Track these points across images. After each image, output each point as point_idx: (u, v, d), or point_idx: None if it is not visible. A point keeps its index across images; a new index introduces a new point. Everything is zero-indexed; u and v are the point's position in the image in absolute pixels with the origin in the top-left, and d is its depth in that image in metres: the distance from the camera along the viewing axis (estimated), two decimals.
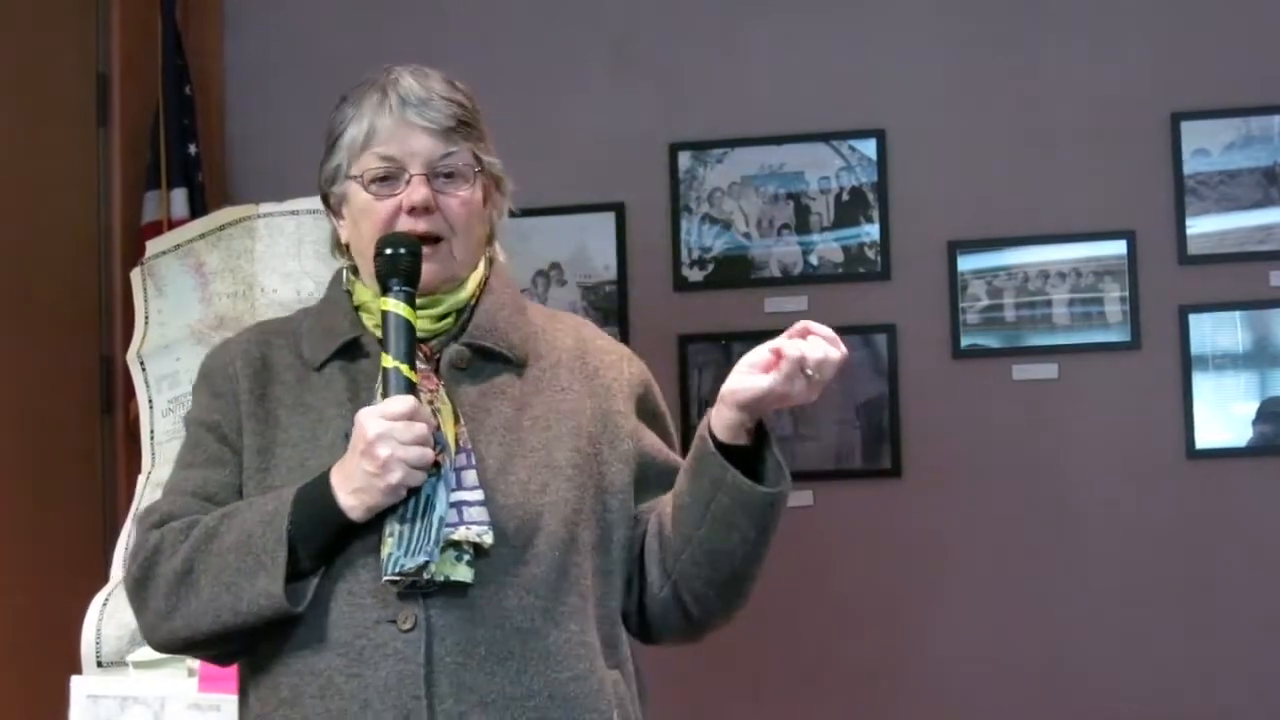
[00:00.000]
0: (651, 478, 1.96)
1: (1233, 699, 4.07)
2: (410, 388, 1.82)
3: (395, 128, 1.92)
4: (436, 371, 1.91)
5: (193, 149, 4.25)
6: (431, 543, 1.78)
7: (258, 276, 2.97)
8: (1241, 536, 4.11)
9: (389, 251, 1.87)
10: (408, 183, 1.91)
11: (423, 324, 1.90)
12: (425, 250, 1.90)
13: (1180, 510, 4.14)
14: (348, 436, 1.82)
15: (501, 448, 1.87)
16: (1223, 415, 4.14)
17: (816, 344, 1.78)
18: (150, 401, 3.07)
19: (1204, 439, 4.12)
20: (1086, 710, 4.12)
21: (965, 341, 4.25)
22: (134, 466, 3.19)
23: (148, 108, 4.25)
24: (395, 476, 1.77)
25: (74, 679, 2.80)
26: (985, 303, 4.24)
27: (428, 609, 1.80)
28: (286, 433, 1.92)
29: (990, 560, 4.20)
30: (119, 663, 2.82)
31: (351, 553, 1.83)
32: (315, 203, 2.97)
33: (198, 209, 4.11)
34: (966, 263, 4.26)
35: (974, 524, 4.21)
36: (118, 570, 2.95)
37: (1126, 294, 4.17)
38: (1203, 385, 4.13)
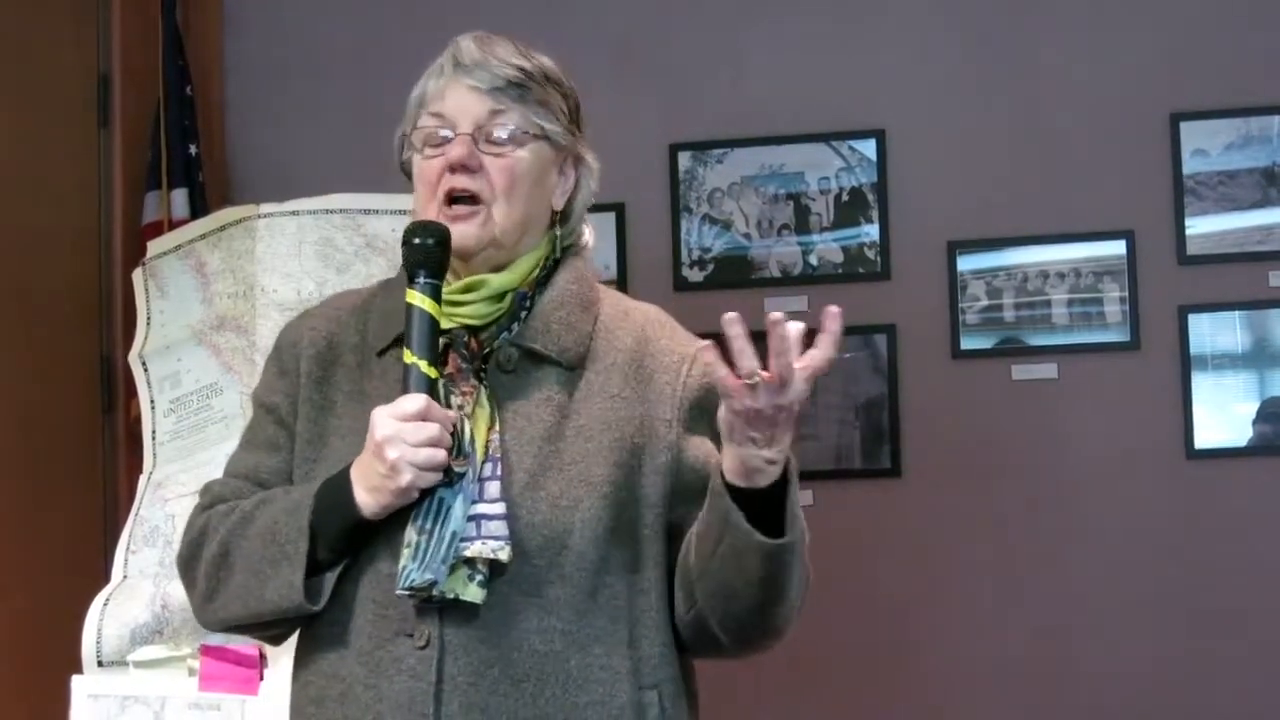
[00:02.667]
0: (694, 491, 1.84)
1: (1233, 698, 4.07)
2: (429, 385, 1.77)
3: (446, 88, 1.89)
4: (485, 364, 1.85)
5: (193, 149, 4.25)
6: (440, 560, 1.74)
7: (258, 277, 2.97)
8: (1241, 536, 4.11)
9: (416, 240, 1.82)
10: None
11: (475, 309, 1.86)
12: (462, 210, 1.85)
13: (1180, 510, 4.14)
14: None
15: (535, 460, 1.81)
16: (1222, 415, 4.14)
17: (740, 354, 1.66)
18: (152, 402, 3.07)
19: (1204, 439, 4.13)
20: (1086, 709, 4.12)
21: (965, 342, 4.25)
22: (134, 466, 3.20)
23: (148, 108, 4.26)
24: (404, 479, 1.73)
25: (74, 679, 2.81)
26: (985, 303, 4.25)
27: (443, 626, 1.77)
28: (340, 421, 1.88)
29: (990, 560, 4.20)
30: (119, 662, 2.83)
31: (377, 558, 1.80)
32: (315, 203, 3.02)
33: (198, 209, 4.11)
34: (966, 263, 4.26)
35: (974, 524, 4.21)
36: (118, 570, 2.96)
37: (1126, 294, 4.18)
38: (1202, 385, 4.13)
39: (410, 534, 1.76)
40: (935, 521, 4.22)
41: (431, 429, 1.74)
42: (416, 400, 1.75)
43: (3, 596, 3.76)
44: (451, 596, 1.75)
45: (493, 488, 1.78)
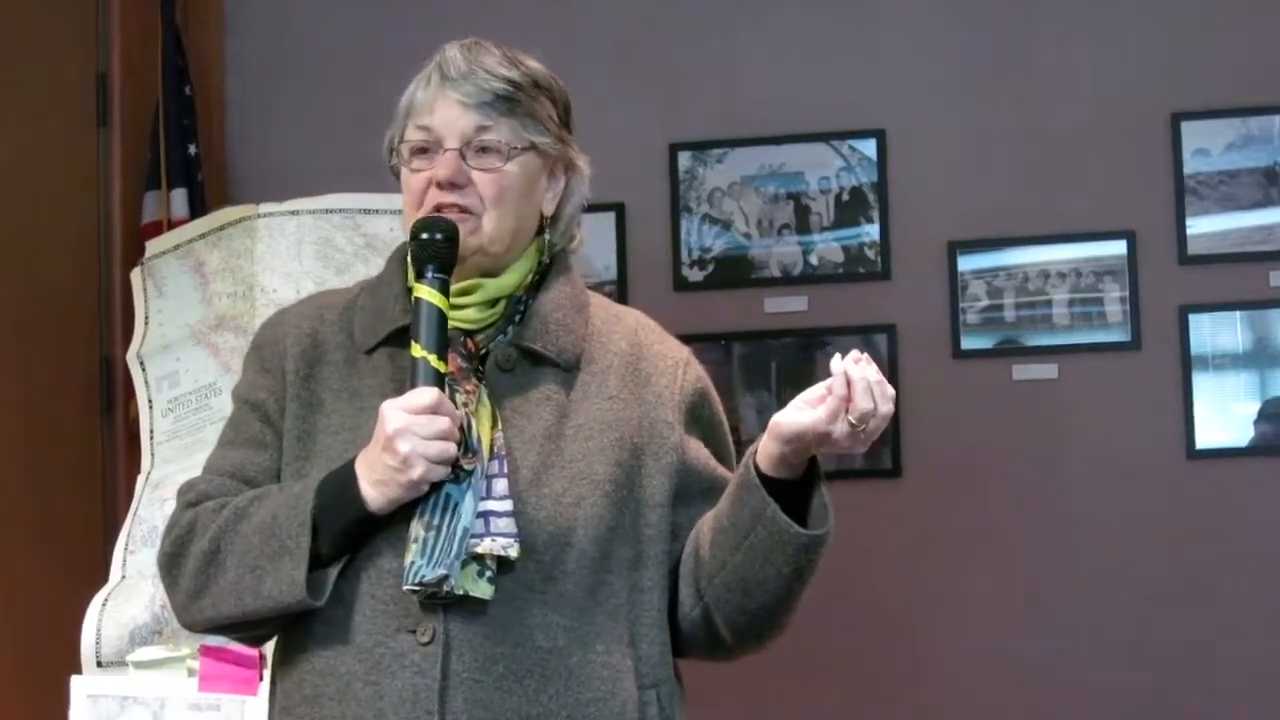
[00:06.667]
0: (695, 491, 1.89)
1: (1233, 699, 4.07)
2: (438, 379, 1.76)
3: (433, 100, 1.88)
4: (482, 365, 1.86)
5: (193, 149, 4.25)
6: (452, 556, 1.73)
7: (258, 276, 2.97)
8: (1241, 536, 4.11)
9: (424, 236, 1.81)
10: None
11: (470, 313, 1.86)
12: (451, 217, 1.84)
13: (1180, 510, 4.13)
14: None
15: (538, 456, 1.81)
16: (1223, 415, 4.14)
17: (865, 394, 1.71)
18: (150, 402, 3.07)
19: (1204, 439, 4.12)
20: (1086, 710, 4.12)
21: (965, 341, 4.25)
22: (134, 466, 3.19)
23: (148, 108, 4.25)
24: (415, 472, 1.73)
25: (74, 679, 2.81)
26: (985, 303, 4.24)
27: (447, 622, 1.76)
28: (329, 419, 1.87)
29: (990, 560, 4.20)
30: (119, 663, 2.83)
31: (377, 553, 1.79)
32: (315, 203, 3.02)
33: (198, 209, 4.11)
34: (966, 263, 4.25)
35: (974, 524, 4.21)
36: (118, 570, 2.96)
37: (1126, 294, 4.17)
38: (1203, 385, 4.13)
39: (416, 529, 1.75)
40: (935, 521, 4.22)
41: (444, 423, 1.74)
42: (429, 394, 1.75)
43: (3, 596, 3.76)
44: (460, 592, 1.74)
45: (500, 485, 1.78)
